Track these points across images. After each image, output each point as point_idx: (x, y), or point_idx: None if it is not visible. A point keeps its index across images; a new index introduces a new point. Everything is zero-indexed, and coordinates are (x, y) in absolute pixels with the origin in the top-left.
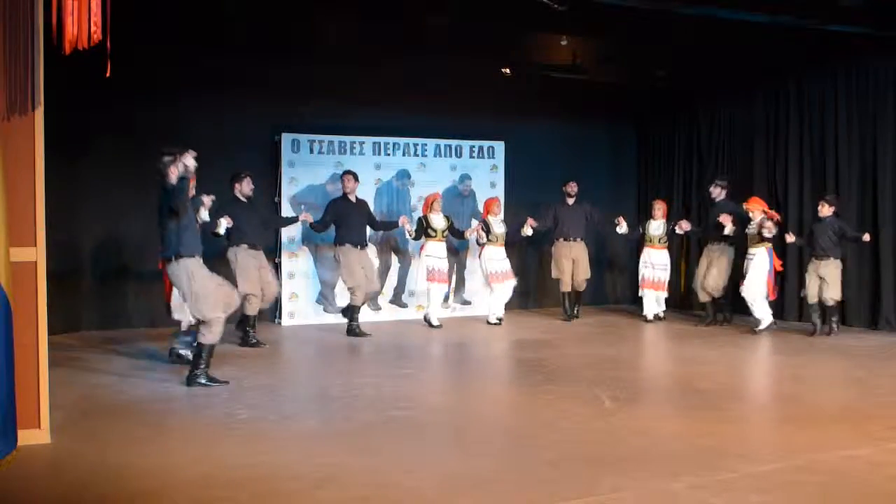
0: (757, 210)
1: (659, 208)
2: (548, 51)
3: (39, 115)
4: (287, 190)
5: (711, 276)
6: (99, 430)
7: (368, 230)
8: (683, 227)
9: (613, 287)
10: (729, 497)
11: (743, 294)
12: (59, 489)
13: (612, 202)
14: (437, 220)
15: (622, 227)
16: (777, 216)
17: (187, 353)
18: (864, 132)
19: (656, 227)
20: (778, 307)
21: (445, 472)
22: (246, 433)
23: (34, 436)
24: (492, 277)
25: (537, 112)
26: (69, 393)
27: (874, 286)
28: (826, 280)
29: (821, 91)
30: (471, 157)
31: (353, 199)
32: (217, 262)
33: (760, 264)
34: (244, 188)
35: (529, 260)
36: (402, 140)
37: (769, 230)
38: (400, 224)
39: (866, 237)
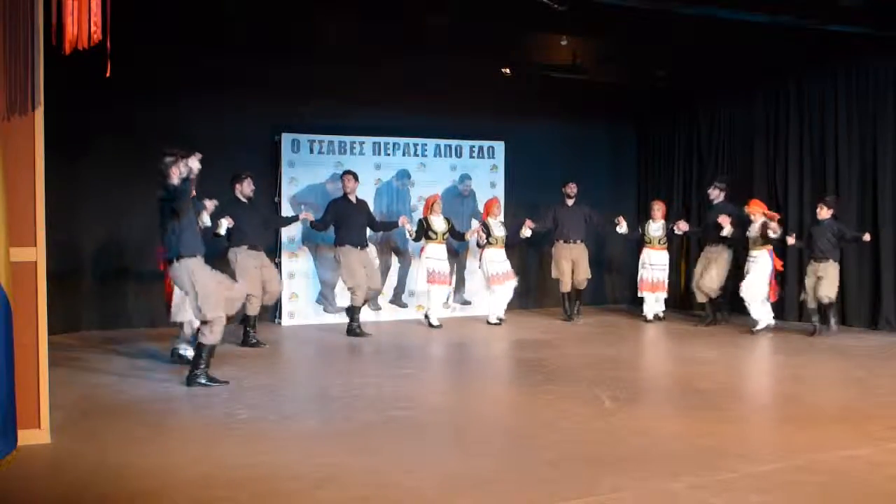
0: (757, 213)
1: (658, 209)
2: (548, 51)
3: (39, 115)
4: (287, 190)
5: (709, 276)
6: (99, 430)
7: (368, 231)
8: (682, 227)
9: (613, 287)
10: (729, 497)
11: (742, 294)
12: (59, 489)
13: (611, 202)
14: (438, 223)
15: (622, 227)
16: (777, 216)
17: (188, 353)
18: (864, 132)
19: (656, 228)
20: (778, 307)
21: (445, 472)
22: (246, 433)
23: (34, 436)
24: (493, 279)
25: (537, 112)
26: (69, 393)
27: (874, 286)
28: (823, 279)
29: (821, 91)
30: (471, 157)
31: (353, 199)
32: (217, 262)
33: (762, 266)
34: (245, 189)
35: (529, 260)
36: (402, 140)
37: (774, 231)
38: (400, 224)
39: (867, 237)
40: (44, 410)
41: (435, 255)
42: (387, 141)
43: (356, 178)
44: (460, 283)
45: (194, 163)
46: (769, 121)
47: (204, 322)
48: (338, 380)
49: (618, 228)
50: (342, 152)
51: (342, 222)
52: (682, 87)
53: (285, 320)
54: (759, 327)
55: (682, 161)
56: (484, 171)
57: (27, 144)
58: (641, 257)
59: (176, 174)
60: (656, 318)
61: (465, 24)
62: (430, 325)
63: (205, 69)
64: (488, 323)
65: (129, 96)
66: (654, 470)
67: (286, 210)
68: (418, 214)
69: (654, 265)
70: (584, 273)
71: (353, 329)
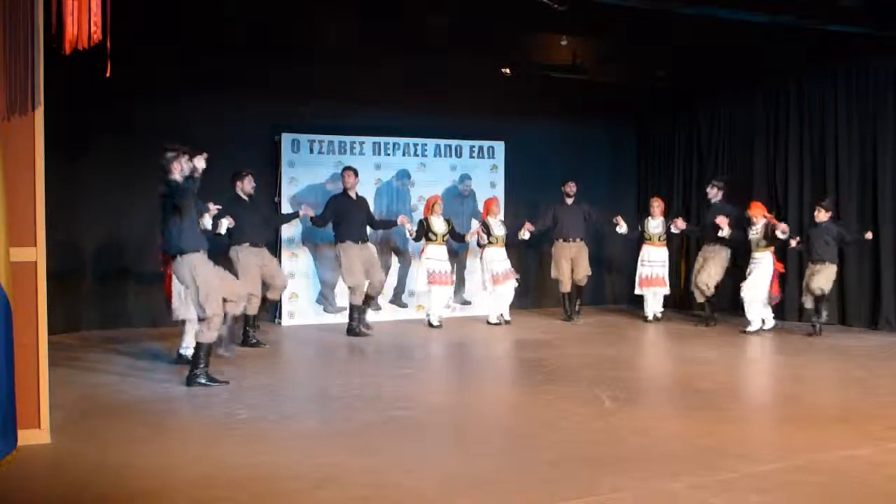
0: (759, 216)
1: (657, 206)
2: (548, 51)
3: (39, 115)
4: (287, 190)
5: (706, 273)
6: (99, 430)
7: (368, 229)
8: (679, 225)
9: (613, 287)
10: (729, 497)
11: (742, 294)
12: (59, 489)
13: (611, 202)
14: (438, 224)
15: (622, 227)
16: (775, 222)
17: (188, 352)
18: (864, 132)
19: (655, 225)
20: (778, 307)
21: (445, 472)
22: (246, 433)
23: (34, 436)
24: (494, 279)
25: (537, 112)
26: (69, 393)
27: (874, 286)
28: (819, 273)
29: (821, 91)
30: (471, 157)
31: (353, 195)
32: (219, 261)
33: (765, 269)
34: (246, 186)
35: (529, 260)
36: (402, 140)
37: (784, 231)
38: (399, 223)
39: (868, 235)
40: (44, 410)
41: (435, 255)
42: (387, 141)
43: (356, 173)
44: (460, 283)
45: (200, 162)
46: (769, 121)
47: (202, 319)
48: (338, 380)
49: (617, 228)
50: (342, 152)
51: (342, 218)
52: (682, 87)
53: (285, 320)
54: (750, 328)
55: (682, 161)
56: (484, 171)
57: (27, 144)
58: (641, 254)
59: (177, 169)
60: (656, 318)
61: (465, 24)
62: (431, 325)
63: (205, 69)
64: (488, 323)
65: (129, 96)
66: (654, 470)
67: (286, 210)
68: (418, 214)
69: (654, 262)
70: (585, 270)
71: (354, 329)
